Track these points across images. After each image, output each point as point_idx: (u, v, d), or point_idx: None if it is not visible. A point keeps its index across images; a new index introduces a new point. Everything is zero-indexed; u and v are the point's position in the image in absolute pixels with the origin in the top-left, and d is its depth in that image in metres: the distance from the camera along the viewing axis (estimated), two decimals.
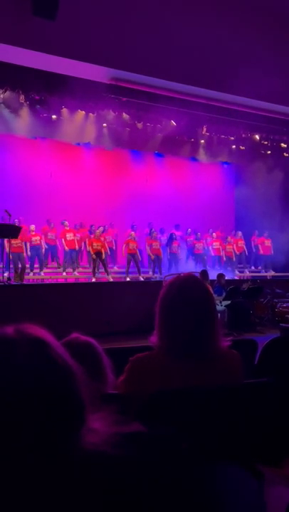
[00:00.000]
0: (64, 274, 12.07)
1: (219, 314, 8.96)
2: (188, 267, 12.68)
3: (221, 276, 10.30)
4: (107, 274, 11.50)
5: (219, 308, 9.24)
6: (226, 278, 10.59)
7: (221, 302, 9.56)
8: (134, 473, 0.79)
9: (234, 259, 14.01)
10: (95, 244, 11.60)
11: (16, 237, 9.93)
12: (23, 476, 0.75)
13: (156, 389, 1.50)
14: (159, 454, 0.84)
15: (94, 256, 11.50)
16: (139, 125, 12.67)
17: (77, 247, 12.25)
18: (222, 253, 13.90)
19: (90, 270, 11.71)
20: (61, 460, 0.77)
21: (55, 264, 12.47)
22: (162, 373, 1.59)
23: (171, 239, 13.05)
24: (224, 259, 13.88)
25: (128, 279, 11.63)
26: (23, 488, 0.75)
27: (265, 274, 14.24)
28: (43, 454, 0.77)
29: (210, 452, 1.30)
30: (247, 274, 14.17)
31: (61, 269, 12.21)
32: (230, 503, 1.24)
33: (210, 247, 13.83)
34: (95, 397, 0.86)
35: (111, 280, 11.25)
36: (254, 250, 14.59)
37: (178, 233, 13.58)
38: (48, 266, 12.41)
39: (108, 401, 0.93)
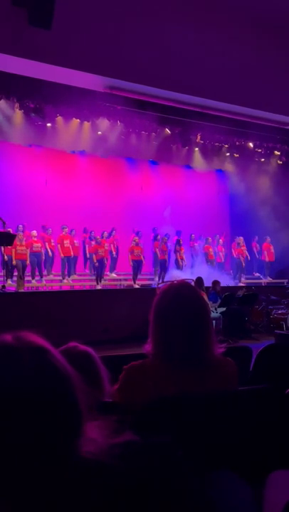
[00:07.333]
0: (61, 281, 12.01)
1: (214, 321, 8.99)
2: (195, 271, 12.67)
3: (216, 283, 10.32)
4: (97, 283, 11.44)
5: (214, 315, 9.25)
6: (231, 284, 10.66)
7: (216, 309, 9.58)
8: (131, 482, 0.79)
9: (243, 264, 14.11)
10: (100, 250, 11.53)
11: (10, 244, 9.90)
12: (22, 483, 0.76)
13: (151, 397, 1.51)
14: (155, 462, 0.84)
15: (97, 264, 11.43)
16: (134, 133, 12.73)
17: (72, 254, 12.11)
18: (223, 259, 14.18)
19: (86, 277, 11.64)
20: (60, 468, 0.78)
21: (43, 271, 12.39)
22: (157, 381, 1.59)
23: (178, 245, 13.16)
24: (236, 264, 14.12)
25: (136, 286, 11.62)
26: (21, 496, 0.75)
27: (260, 280, 14.28)
28: (42, 461, 0.77)
29: (205, 460, 1.30)
30: (243, 280, 14.21)
31: (60, 277, 12.09)
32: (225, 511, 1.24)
33: (220, 253, 14.15)
34: (92, 405, 0.86)
35: (98, 287, 11.23)
36: (257, 256, 14.65)
37: (182, 239, 13.72)
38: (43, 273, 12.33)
39: (104, 410, 0.94)
